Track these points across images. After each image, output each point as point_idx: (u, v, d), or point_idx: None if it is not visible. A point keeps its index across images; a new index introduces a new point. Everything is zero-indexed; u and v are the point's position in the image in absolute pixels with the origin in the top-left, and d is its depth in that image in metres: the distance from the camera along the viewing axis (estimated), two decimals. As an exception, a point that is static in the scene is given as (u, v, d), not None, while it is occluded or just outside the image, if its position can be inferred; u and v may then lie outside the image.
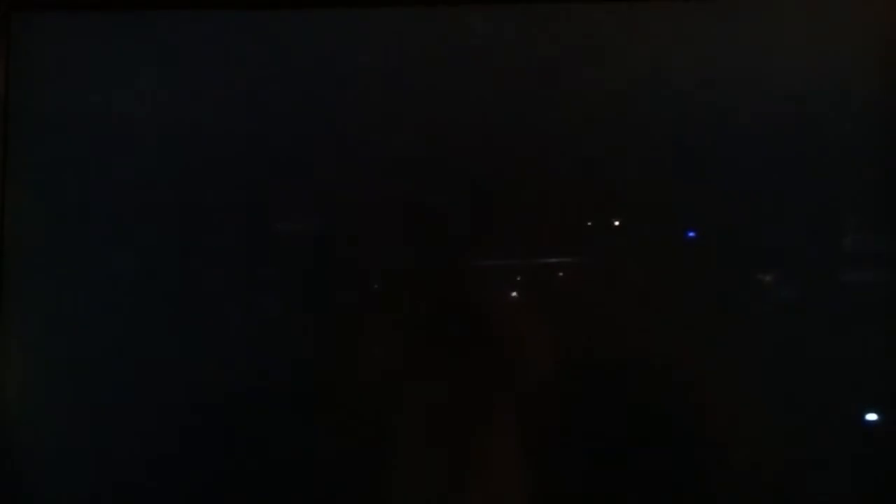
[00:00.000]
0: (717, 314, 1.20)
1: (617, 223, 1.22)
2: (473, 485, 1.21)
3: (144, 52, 1.28)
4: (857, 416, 1.18)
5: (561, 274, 1.22)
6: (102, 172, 1.27)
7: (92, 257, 1.26)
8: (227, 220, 1.26)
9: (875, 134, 1.21)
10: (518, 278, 1.22)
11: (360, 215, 1.25)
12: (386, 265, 1.24)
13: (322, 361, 1.23)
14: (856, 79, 1.21)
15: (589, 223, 1.22)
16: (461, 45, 1.25)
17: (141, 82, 1.28)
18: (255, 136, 1.26)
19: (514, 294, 1.22)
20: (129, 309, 1.25)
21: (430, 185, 1.24)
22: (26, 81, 1.29)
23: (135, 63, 1.28)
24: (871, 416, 1.17)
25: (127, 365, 1.24)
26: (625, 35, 1.24)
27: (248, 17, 1.28)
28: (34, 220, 1.28)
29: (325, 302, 1.24)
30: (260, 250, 1.25)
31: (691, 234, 1.19)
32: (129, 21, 1.28)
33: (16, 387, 1.26)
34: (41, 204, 1.28)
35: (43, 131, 1.28)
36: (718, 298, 1.20)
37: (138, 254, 1.26)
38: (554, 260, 1.22)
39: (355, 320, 1.23)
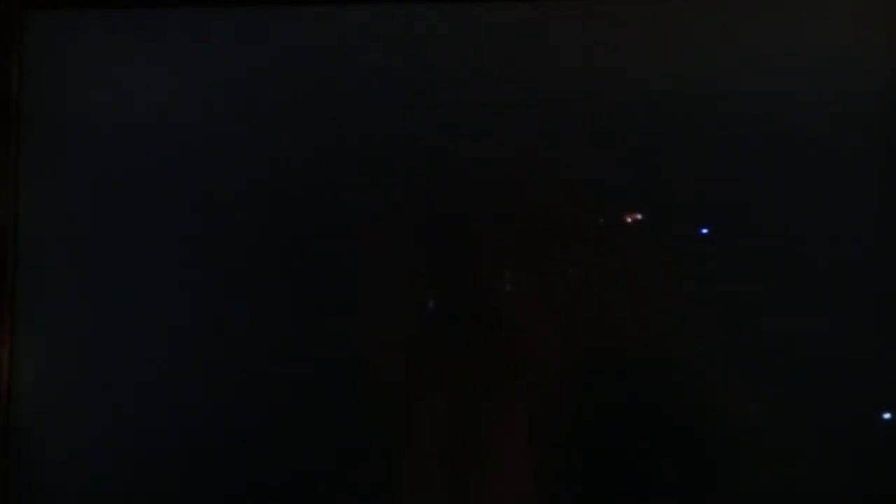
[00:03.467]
0: (730, 310, 1.21)
1: (629, 220, 1.23)
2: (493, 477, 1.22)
3: (158, 50, 1.28)
4: (868, 413, 1.19)
5: (572, 271, 1.23)
6: (116, 170, 1.27)
7: (104, 254, 1.26)
8: (240, 216, 1.26)
9: (884, 129, 1.22)
10: (531, 277, 1.23)
11: (366, 214, 1.25)
12: (395, 263, 1.25)
13: (327, 361, 1.24)
14: (866, 74, 1.23)
15: (601, 220, 1.23)
16: (463, 42, 1.26)
17: (155, 80, 1.28)
18: (270, 133, 1.26)
19: (526, 293, 1.23)
20: (142, 306, 1.25)
21: (439, 184, 1.24)
22: (40, 79, 1.29)
23: (149, 61, 1.28)
24: (882, 412, 1.19)
25: (141, 362, 1.25)
26: (632, 31, 1.24)
27: (265, 14, 1.28)
28: (47, 218, 1.28)
29: (334, 301, 1.25)
30: (271, 248, 1.26)
31: (704, 230, 1.20)
32: (143, 19, 1.28)
33: (31, 384, 1.26)
34: (54, 201, 1.28)
35: (56, 129, 1.28)
36: (732, 294, 1.21)
37: (150, 251, 1.26)
38: (564, 258, 1.23)
39: (362, 320, 1.24)
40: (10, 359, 1.25)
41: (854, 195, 1.21)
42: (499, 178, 1.24)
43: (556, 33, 1.25)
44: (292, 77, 1.27)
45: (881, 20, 1.24)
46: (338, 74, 1.26)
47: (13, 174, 1.27)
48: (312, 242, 1.25)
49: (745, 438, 1.19)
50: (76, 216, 1.27)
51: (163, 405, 1.24)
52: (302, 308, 1.24)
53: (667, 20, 1.24)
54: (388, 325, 1.24)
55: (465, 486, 1.21)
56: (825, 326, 1.20)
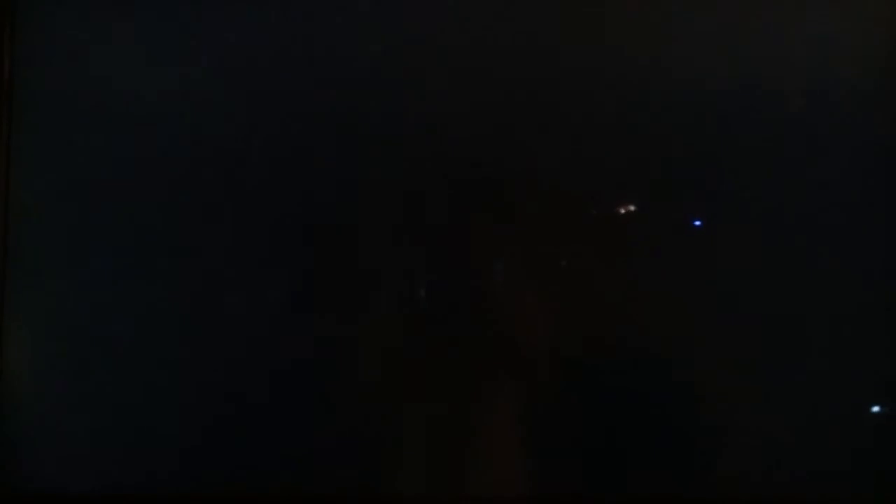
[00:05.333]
0: (725, 301, 1.21)
1: (624, 211, 1.23)
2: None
3: (152, 30, 1.27)
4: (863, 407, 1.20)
5: (567, 262, 1.23)
6: (109, 152, 1.26)
7: (97, 238, 1.26)
8: (235, 201, 1.25)
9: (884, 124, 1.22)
10: (527, 267, 1.23)
11: (367, 204, 1.25)
12: (393, 254, 1.25)
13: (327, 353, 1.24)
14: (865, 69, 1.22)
15: (595, 211, 1.23)
16: (462, 29, 1.25)
17: (149, 59, 1.27)
18: (264, 113, 1.25)
19: (523, 283, 1.23)
20: (135, 292, 1.25)
21: (439, 175, 1.24)
22: (31, 60, 1.27)
23: (143, 40, 1.27)
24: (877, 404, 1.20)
25: (133, 348, 1.25)
26: (631, 22, 1.24)
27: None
28: (40, 200, 1.27)
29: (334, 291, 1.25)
30: (266, 233, 1.25)
31: (697, 222, 1.21)
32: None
33: (22, 367, 1.26)
34: (48, 184, 1.27)
35: (48, 110, 1.27)
36: (728, 286, 1.21)
37: (144, 236, 1.25)
38: (560, 248, 1.23)
39: (358, 312, 1.24)
40: (1, 344, 1.26)
41: (852, 188, 1.22)
42: (497, 169, 1.24)
43: (555, 22, 1.24)
44: (285, 60, 1.26)
45: (883, 16, 1.24)
46: (334, 60, 1.26)
47: (4, 157, 1.26)
48: (308, 232, 1.25)
49: (741, 429, 1.20)
50: (69, 199, 1.27)
51: (154, 391, 1.24)
52: (297, 299, 1.24)
53: (668, 12, 1.24)
54: (383, 316, 1.24)
55: (464, 471, 1.22)
56: (824, 318, 1.20)
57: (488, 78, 1.24)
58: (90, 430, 1.25)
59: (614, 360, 1.21)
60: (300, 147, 1.25)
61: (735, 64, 1.22)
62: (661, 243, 1.21)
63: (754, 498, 1.20)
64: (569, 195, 1.23)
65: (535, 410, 1.21)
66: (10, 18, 1.26)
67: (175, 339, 1.24)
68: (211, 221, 1.25)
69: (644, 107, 1.22)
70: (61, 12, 1.27)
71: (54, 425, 1.25)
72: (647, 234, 1.22)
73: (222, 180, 1.25)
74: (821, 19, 1.23)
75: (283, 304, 1.24)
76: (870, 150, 1.21)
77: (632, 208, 1.22)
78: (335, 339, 1.23)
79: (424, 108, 1.24)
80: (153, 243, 1.25)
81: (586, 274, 1.22)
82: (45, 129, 1.27)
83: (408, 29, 1.25)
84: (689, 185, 1.22)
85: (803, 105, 1.22)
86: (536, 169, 1.23)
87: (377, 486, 1.22)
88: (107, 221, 1.26)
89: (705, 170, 1.22)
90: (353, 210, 1.24)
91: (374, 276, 1.24)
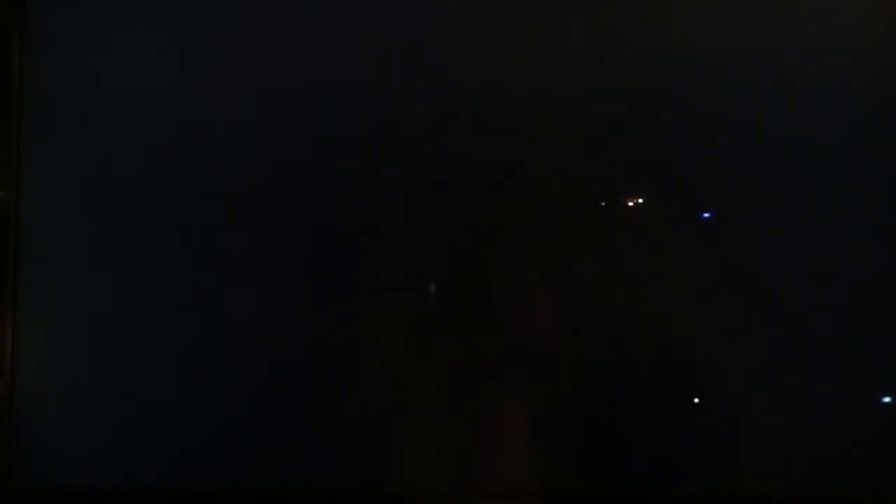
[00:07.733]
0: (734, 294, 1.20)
1: (632, 204, 1.22)
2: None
3: (158, 27, 1.28)
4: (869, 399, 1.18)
5: (577, 256, 1.22)
6: (119, 148, 1.27)
7: (105, 234, 1.26)
8: (239, 199, 1.25)
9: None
10: (536, 261, 1.22)
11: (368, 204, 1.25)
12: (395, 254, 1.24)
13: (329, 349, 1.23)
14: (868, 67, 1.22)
15: (603, 203, 1.22)
16: (473, 21, 1.25)
17: (155, 56, 1.27)
18: (270, 113, 1.26)
19: (532, 279, 1.22)
20: (143, 288, 1.25)
21: (444, 174, 1.24)
22: (41, 57, 1.28)
23: (149, 37, 1.28)
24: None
25: (141, 345, 1.25)
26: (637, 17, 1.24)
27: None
28: (49, 197, 1.28)
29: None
30: (272, 231, 1.25)
31: (706, 215, 1.19)
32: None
33: (33, 363, 1.26)
34: (56, 180, 1.28)
35: (57, 106, 1.28)
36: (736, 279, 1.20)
37: (150, 233, 1.26)
38: (570, 242, 1.22)
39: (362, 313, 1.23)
40: (12, 340, 1.26)
41: (863, 181, 1.20)
42: (502, 164, 1.23)
43: (558, 19, 1.24)
44: (289, 59, 1.27)
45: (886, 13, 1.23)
46: (338, 60, 1.26)
47: (15, 153, 1.27)
48: (313, 232, 1.25)
49: (750, 427, 1.19)
50: (79, 196, 1.27)
51: (157, 390, 1.24)
52: (301, 299, 1.24)
53: (672, 6, 1.24)
54: (385, 316, 1.23)
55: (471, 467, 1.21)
56: (827, 314, 1.19)
57: (493, 76, 1.24)
58: (95, 428, 1.25)
59: (620, 355, 1.19)
60: (306, 147, 1.25)
61: (739, 58, 1.22)
62: (667, 237, 1.20)
63: (759, 496, 1.18)
64: (575, 191, 1.22)
65: (545, 408, 1.20)
66: (19, 16, 1.28)
67: (179, 340, 1.24)
68: (218, 220, 1.25)
69: (646, 103, 1.22)
70: (70, 10, 1.29)
71: (60, 423, 1.25)
72: (654, 229, 1.20)
73: (229, 179, 1.26)
74: (829, 13, 1.23)
75: (289, 305, 1.23)
76: (881, 145, 1.20)
77: (638, 202, 1.21)
78: (338, 339, 1.23)
79: (427, 108, 1.24)
80: (161, 242, 1.26)
81: (594, 269, 1.21)
82: (55, 126, 1.28)
83: (412, 28, 1.25)
84: (696, 179, 1.21)
85: (816, 97, 1.21)
86: (540, 167, 1.22)
87: (379, 486, 1.21)
88: (116, 220, 1.26)
89: (710, 163, 1.21)
90: (356, 210, 1.24)
91: (377, 275, 1.23)
